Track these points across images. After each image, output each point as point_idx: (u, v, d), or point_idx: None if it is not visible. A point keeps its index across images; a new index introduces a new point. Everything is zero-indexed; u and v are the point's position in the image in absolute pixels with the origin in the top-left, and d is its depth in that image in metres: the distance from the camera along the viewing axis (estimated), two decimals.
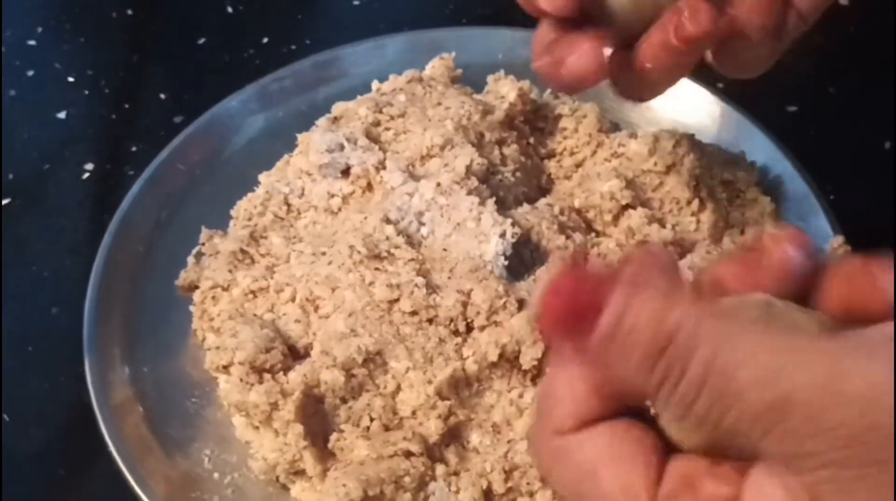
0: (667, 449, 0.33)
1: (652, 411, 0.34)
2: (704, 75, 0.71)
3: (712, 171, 0.65)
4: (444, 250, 0.60)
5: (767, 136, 0.68)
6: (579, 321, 0.31)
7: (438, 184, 0.61)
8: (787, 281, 0.34)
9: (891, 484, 0.29)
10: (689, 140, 0.65)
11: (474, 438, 0.56)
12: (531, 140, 0.68)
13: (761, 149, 0.68)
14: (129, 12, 0.82)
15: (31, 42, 0.80)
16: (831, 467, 0.29)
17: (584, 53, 0.52)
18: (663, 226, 0.63)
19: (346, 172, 0.63)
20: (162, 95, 0.76)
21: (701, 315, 0.30)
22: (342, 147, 0.64)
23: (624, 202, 0.62)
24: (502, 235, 0.59)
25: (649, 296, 0.31)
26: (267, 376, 0.56)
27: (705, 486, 0.32)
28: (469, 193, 0.60)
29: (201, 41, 0.80)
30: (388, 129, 0.65)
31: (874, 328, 0.31)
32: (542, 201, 0.63)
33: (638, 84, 0.54)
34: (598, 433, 0.34)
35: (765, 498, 0.31)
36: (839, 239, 0.63)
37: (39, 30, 0.81)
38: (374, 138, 0.65)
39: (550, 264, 0.31)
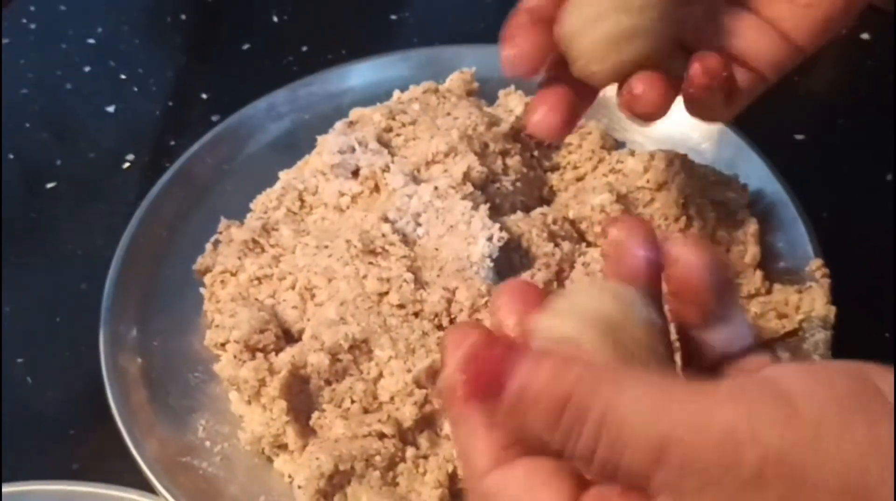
0: (582, 481, 0.35)
1: None
2: None
3: (703, 191, 0.68)
4: (436, 249, 0.63)
5: (763, 160, 0.70)
6: (487, 392, 0.34)
7: (436, 188, 0.65)
8: (642, 277, 0.38)
9: None
10: (682, 160, 0.68)
11: (447, 426, 0.60)
12: (536, 153, 0.72)
13: (757, 172, 0.70)
14: (183, 17, 0.87)
15: (91, 41, 0.86)
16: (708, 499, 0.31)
17: (544, 114, 0.56)
18: None
19: (356, 173, 0.68)
20: (203, 95, 0.82)
21: (589, 377, 0.33)
22: (353, 149, 0.68)
23: (613, 215, 0.66)
24: (490, 238, 0.62)
25: (543, 366, 0.34)
26: (259, 354, 0.60)
27: None
28: (464, 197, 0.64)
29: (245, 47, 0.85)
30: (398, 135, 0.70)
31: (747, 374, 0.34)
32: (537, 210, 0.67)
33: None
34: (514, 470, 0.36)
35: None
36: (818, 262, 0.65)
37: (99, 30, 0.87)
38: (384, 143, 0.69)
39: (453, 336, 0.35)
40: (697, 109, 0.55)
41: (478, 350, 0.35)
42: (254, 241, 0.67)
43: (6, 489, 0.56)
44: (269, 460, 0.60)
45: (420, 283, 0.62)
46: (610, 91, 0.75)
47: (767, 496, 0.31)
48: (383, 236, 0.63)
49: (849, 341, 0.61)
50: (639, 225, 0.40)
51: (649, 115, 0.54)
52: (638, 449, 0.32)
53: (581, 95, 0.56)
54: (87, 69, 0.84)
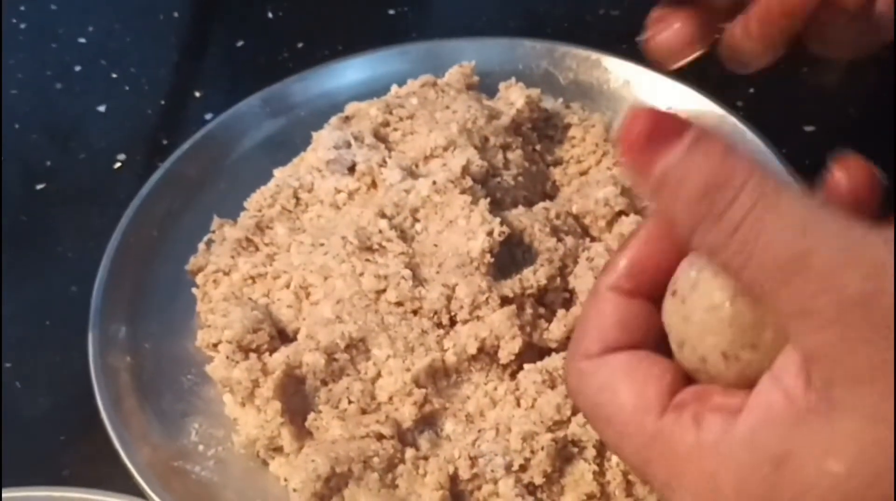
0: (684, 381, 0.36)
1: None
2: (724, 93, 0.73)
3: None
4: (435, 245, 0.62)
5: (773, 152, 0.69)
6: (652, 149, 0.34)
7: (434, 182, 0.63)
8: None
9: (890, 349, 0.30)
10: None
11: (448, 426, 0.58)
12: (538, 147, 0.70)
13: (768, 165, 0.68)
14: (176, 14, 0.86)
15: (82, 40, 0.85)
16: (837, 326, 0.31)
17: (672, 32, 0.55)
18: None
19: (352, 168, 0.66)
20: (197, 93, 0.80)
21: (753, 170, 0.33)
22: (349, 145, 0.66)
23: (618, 209, 0.64)
24: (490, 233, 0.60)
25: (714, 143, 0.33)
26: (252, 355, 0.58)
27: (714, 398, 0.35)
28: (463, 192, 0.62)
29: (240, 44, 0.84)
30: (396, 129, 0.68)
31: None
32: (539, 205, 0.65)
33: (738, 55, 0.56)
34: (618, 358, 0.37)
35: (764, 399, 0.33)
36: None
37: (90, 29, 0.86)
38: (381, 138, 0.67)
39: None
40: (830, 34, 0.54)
41: (653, 111, 0.34)
42: (247, 239, 0.65)
43: None
44: (265, 463, 0.58)
45: (418, 280, 0.60)
46: (613, 84, 0.75)
47: None
48: (380, 232, 0.61)
49: None
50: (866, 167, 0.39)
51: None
52: (777, 254, 0.32)
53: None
54: (78, 68, 0.83)
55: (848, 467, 0.31)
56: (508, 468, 0.55)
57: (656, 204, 0.35)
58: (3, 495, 0.55)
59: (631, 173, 0.35)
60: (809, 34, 0.55)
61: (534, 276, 0.60)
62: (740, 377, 0.35)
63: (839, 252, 0.31)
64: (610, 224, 0.64)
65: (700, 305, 0.36)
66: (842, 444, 0.31)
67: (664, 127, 0.34)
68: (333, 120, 0.69)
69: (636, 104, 0.35)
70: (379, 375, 0.58)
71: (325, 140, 0.67)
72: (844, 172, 0.37)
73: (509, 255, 0.62)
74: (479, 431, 0.57)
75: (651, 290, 0.38)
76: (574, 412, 0.55)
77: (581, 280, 0.61)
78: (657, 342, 0.38)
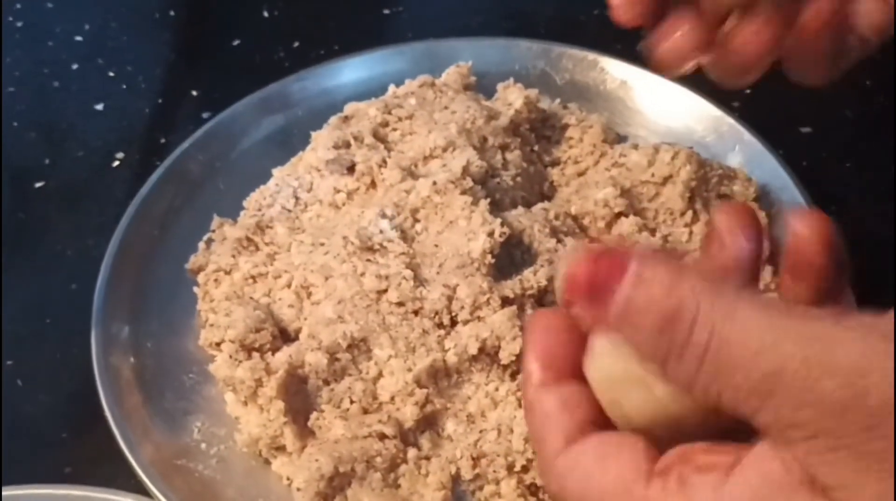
0: (652, 452, 0.35)
1: None
2: (720, 94, 0.73)
3: (709, 184, 0.67)
4: (436, 246, 0.62)
5: (770, 153, 0.69)
6: (597, 295, 0.34)
7: (435, 183, 0.63)
8: (744, 269, 0.37)
9: (882, 452, 0.30)
10: (687, 154, 0.66)
11: (449, 426, 0.58)
12: (536, 147, 0.70)
13: (764, 166, 0.69)
14: (172, 13, 0.86)
15: (79, 38, 0.85)
16: (821, 437, 0.30)
17: (675, 39, 0.55)
18: (654, 235, 0.65)
19: (351, 168, 0.66)
20: (194, 92, 0.80)
21: (703, 292, 0.32)
22: (348, 145, 0.67)
23: (617, 210, 0.64)
24: (490, 233, 0.61)
25: (657, 273, 0.33)
26: (255, 354, 0.59)
27: (698, 457, 0.34)
28: (463, 192, 0.63)
29: (236, 42, 0.84)
30: (395, 129, 0.68)
31: (865, 314, 0.32)
32: (539, 206, 0.65)
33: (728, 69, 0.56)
34: (587, 444, 0.36)
35: (762, 466, 0.32)
36: None
37: (87, 27, 0.85)
38: (380, 138, 0.68)
39: (567, 253, 0.35)
40: (802, 62, 0.54)
41: (590, 256, 0.34)
42: (248, 239, 0.65)
43: None
44: (267, 462, 0.59)
45: (419, 280, 0.60)
46: (610, 85, 0.75)
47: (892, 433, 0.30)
48: (381, 232, 0.62)
49: None
50: (745, 212, 0.39)
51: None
52: (748, 375, 0.31)
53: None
54: (74, 67, 0.83)
55: None
56: (510, 468, 0.55)
57: (628, 341, 0.34)
58: (6, 493, 0.55)
59: (587, 322, 0.35)
60: (788, 65, 0.55)
61: (534, 277, 0.61)
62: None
63: (811, 362, 0.30)
64: (609, 225, 0.64)
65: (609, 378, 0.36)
66: None
67: (605, 269, 0.34)
68: (333, 120, 0.70)
69: (569, 254, 0.35)
70: (381, 375, 0.59)
71: (324, 140, 0.67)
72: (804, 226, 0.37)
73: (508, 255, 0.62)
74: (481, 431, 0.57)
75: (573, 370, 0.37)
76: None
77: None
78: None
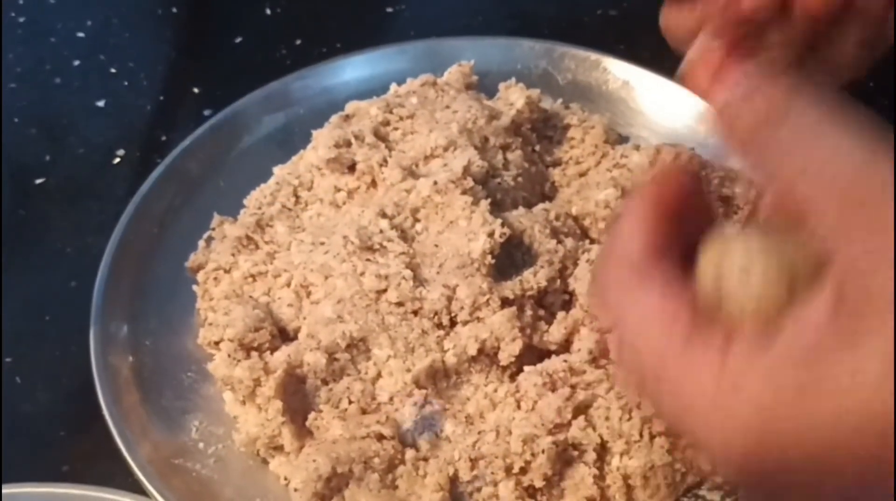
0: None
1: None
2: None
3: (710, 186, 0.67)
4: (436, 246, 0.62)
5: None
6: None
7: (435, 182, 0.63)
8: None
9: None
10: (689, 154, 0.66)
11: (448, 427, 0.58)
12: (537, 147, 0.70)
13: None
14: (174, 10, 0.86)
15: (80, 34, 0.85)
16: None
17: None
18: None
19: (352, 167, 0.66)
20: (195, 89, 0.80)
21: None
22: (349, 144, 0.67)
23: (618, 211, 0.64)
24: (491, 234, 0.61)
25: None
26: (254, 354, 0.59)
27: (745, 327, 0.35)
28: (464, 192, 0.63)
29: (238, 40, 0.84)
30: (396, 128, 0.68)
31: None
32: (539, 206, 0.65)
33: None
34: (654, 280, 0.37)
35: (793, 328, 0.33)
36: None
37: (89, 23, 0.85)
38: (381, 137, 0.67)
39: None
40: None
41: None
42: (248, 237, 0.65)
43: None
44: (265, 462, 0.59)
45: (419, 280, 0.60)
46: (612, 85, 0.75)
47: None
48: (381, 232, 0.62)
49: None
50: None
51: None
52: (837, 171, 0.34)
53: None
54: (76, 63, 0.83)
55: (875, 385, 0.31)
56: (508, 470, 0.55)
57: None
58: (4, 491, 0.55)
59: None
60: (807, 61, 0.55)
61: (534, 278, 0.61)
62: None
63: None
64: (609, 226, 0.64)
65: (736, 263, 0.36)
66: (868, 364, 0.31)
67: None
68: (334, 118, 0.70)
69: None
70: (379, 375, 0.59)
71: (325, 139, 0.67)
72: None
73: (509, 256, 0.62)
74: (479, 433, 0.57)
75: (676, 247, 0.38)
76: (574, 416, 0.56)
77: (581, 282, 0.61)
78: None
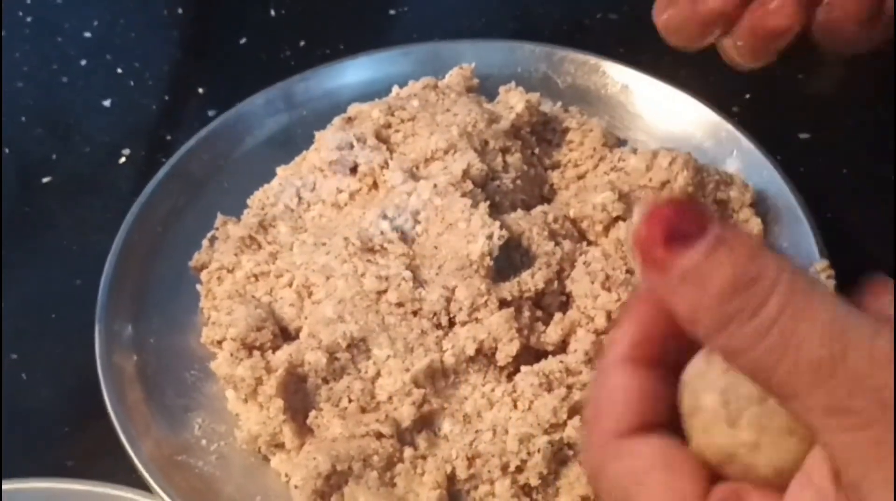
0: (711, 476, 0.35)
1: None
2: (721, 99, 0.74)
3: (706, 189, 0.67)
4: (435, 247, 0.63)
5: (767, 159, 0.70)
6: (672, 244, 0.33)
7: (435, 185, 0.64)
8: None
9: None
10: (684, 159, 0.67)
11: (446, 426, 0.59)
12: (536, 150, 0.71)
13: (761, 172, 0.70)
14: (179, 11, 0.87)
15: (87, 34, 0.85)
16: (871, 427, 0.31)
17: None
18: None
19: (354, 169, 0.67)
20: (200, 90, 0.81)
21: (784, 267, 0.32)
22: (351, 146, 0.67)
23: (615, 214, 0.65)
24: (489, 236, 0.61)
25: (742, 238, 0.33)
26: (256, 353, 0.60)
27: (751, 495, 0.34)
28: (463, 195, 0.63)
29: (242, 41, 0.84)
30: (397, 131, 0.69)
31: None
32: (537, 209, 0.66)
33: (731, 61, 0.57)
34: (650, 444, 0.36)
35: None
36: (823, 263, 0.64)
37: (95, 23, 0.86)
38: (383, 139, 0.68)
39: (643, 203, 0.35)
40: (839, 26, 0.54)
41: (674, 204, 0.34)
42: (251, 237, 0.66)
43: None
44: (266, 459, 0.60)
45: (419, 281, 0.61)
46: (611, 89, 0.76)
47: None
48: (382, 233, 0.63)
49: None
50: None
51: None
52: (811, 354, 0.31)
53: None
54: (83, 63, 0.83)
55: None
56: (505, 469, 0.56)
57: (673, 303, 0.34)
58: (8, 486, 0.56)
59: (646, 272, 0.34)
60: (817, 35, 0.55)
61: (531, 279, 0.61)
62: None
63: (873, 355, 0.31)
64: (607, 229, 0.65)
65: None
66: None
67: (684, 222, 0.33)
68: (336, 121, 0.70)
69: (652, 200, 0.36)
70: (379, 374, 0.59)
71: (328, 141, 0.68)
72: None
73: (507, 258, 0.63)
74: (477, 432, 0.58)
75: (662, 357, 0.37)
76: (570, 416, 0.57)
77: (578, 284, 0.62)
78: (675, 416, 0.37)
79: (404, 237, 0.63)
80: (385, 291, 0.60)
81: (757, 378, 0.33)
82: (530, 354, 0.61)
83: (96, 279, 0.65)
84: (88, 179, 0.76)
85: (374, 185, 0.67)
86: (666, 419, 0.37)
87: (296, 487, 0.56)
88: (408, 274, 0.61)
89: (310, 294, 0.62)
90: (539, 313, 0.62)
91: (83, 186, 0.75)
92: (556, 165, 0.71)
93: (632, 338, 0.37)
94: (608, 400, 0.37)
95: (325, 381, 0.59)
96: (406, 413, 0.58)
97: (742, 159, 0.71)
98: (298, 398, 0.59)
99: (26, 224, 0.73)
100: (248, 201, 0.69)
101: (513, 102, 0.72)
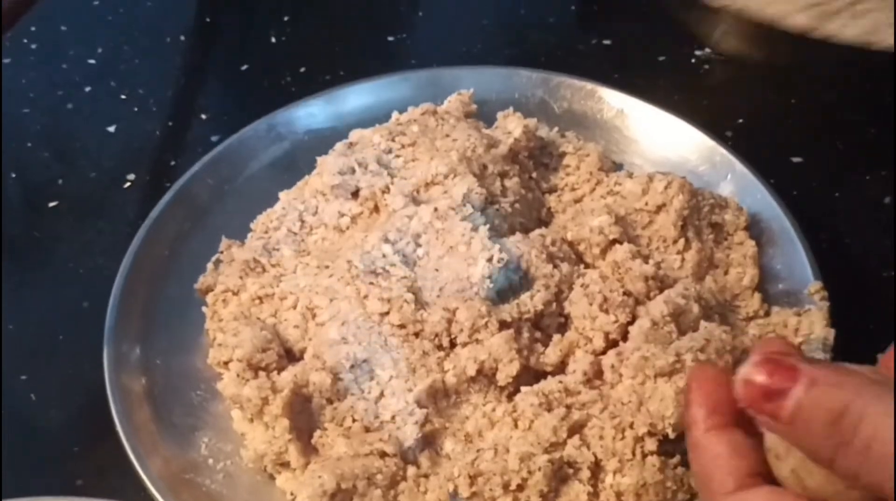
0: None
1: None
2: (714, 123, 0.75)
3: (701, 212, 0.69)
4: (436, 270, 0.64)
5: (761, 182, 0.71)
6: (772, 399, 0.39)
7: (436, 209, 0.65)
8: None
9: None
10: (680, 183, 0.68)
11: (448, 445, 0.60)
12: (534, 175, 0.72)
13: (755, 195, 0.71)
14: (182, 38, 0.88)
15: (92, 61, 0.87)
16: None
17: None
18: (647, 262, 0.66)
19: (355, 193, 0.69)
20: (203, 115, 0.83)
21: (867, 393, 0.38)
22: (353, 171, 0.69)
23: (612, 237, 0.66)
24: (490, 259, 0.63)
25: (827, 375, 0.39)
26: (262, 373, 0.61)
27: None
28: (463, 219, 0.65)
29: (244, 67, 0.86)
30: (398, 156, 0.70)
31: None
32: (536, 232, 0.67)
33: None
34: (759, 493, 0.42)
35: None
36: (817, 285, 0.66)
37: (100, 50, 0.88)
38: (384, 164, 0.70)
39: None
40: None
41: (763, 365, 0.40)
42: (255, 260, 0.68)
43: None
44: (272, 478, 0.61)
45: (420, 303, 0.63)
46: (607, 114, 0.77)
47: None
48: (384, 256, 0.64)
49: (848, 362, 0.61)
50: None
51: None
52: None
53: None
54: (87, 89, 0.85)
55: None
56: (506, 487, 0.57)
57: (792, 441, 0.40)
58: None
59: (760, 421, 0.41)
60: None
61: (531, 301, 0.63)
62: None
63: None
64: (604, 252, 0.66)
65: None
66: None
67: (780, 374, 0.39)
68: (338, 146, 0.72)
69: (751, 359, 0.41)
70: (382, 395, 0.61)
71: (330, 166, 0.69)
72: None
73: (506, 280, 0.64)
74: (478, 450, 0.59)
75: (736, 417, 0.43)
76: (570, 435, 0.58)
77: (576, 306, 0.63)
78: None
79: (406, 260, 0.64)
80: (387, 313, 0.62)
81: (867, 490, 0.38)
82: (530, 374, 0.62)
83: (103, 301, 0.66)
84: (95, 204, 0.77)
85: (376, 208, 0.68)
86: (762, 465, 0.43)
87: None
88: (409, 296, 0.62)
89: (313, 316, 0.64)
90: (538, 334, 0.63)
91: (89, 210, 0.77)
92: (553, 189, 0.73)
93: (706, 411, 0.44)
94: (710, 468, 0.43)
95: (330, 401, 0.60)
96: (409, 433, 0.59)
97: (736, 183, 0.72)
98: (303, 417, 0.60)
99: (34, 248, 0.75)
100: (252, 225, 0.71)
101: (511, 127, 0.73)
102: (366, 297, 0.63)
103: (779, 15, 0.83)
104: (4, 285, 0.72)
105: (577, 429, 0.59)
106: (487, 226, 0.65)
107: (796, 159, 0.79)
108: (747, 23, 0.85)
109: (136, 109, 0.83)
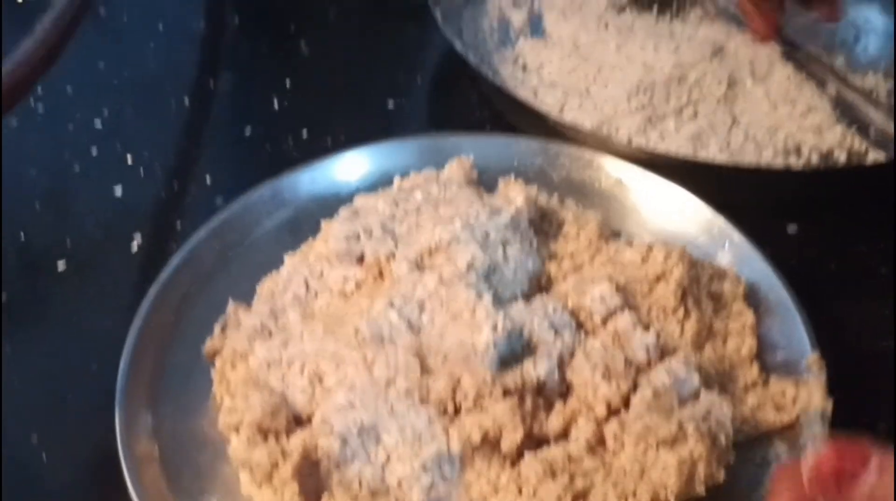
0: None
1: None
2: (710, 192, 0.77)
3: (700, 282, 0.70)
4: (441, 337, 0.65)
5: (758, 252, 0.73)
6: (843, 483, 0.42)
7: (440, 277, 0.67)
8: None
9: None
10: (679, 252, 0.70)
11: None
12: (534, 242, 0.74)
13: (752, 265, 0.73)
14: (186, 102, 0.90)
15: (97, 123, 0.88)
16: None
17: None
18: (647, 330, 0.67)
19: (360, 259, 0.70)
20: (207, 178, 0.84)
21: None
22: (358, 237, 0.70)
23: (613, 306, 0.68)
24: (494, 327, 0.64)
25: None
26: (271, 437, 0.62)
27: None
28: (467, 286, 0.66)
29: (247, 132, 0.88)
30: (402, 223, 0.72)
31: None
32: (538, 300, 0.69)
33: None
34: None
35: None
36: (815, 356, 0.67)
37: (105, 113, 0.89)
38: (388, 231, 0.71)
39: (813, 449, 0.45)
40: None
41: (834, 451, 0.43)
42: (262, 325, 0.68)
43: None
44: None
45: (426, 369, 0.64)
46: (605, 182, 0.79)
47: None
48: (390, 323, 0.65)
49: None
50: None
51: None
52: None
53: None
54: (94, 152, 0.86)
55: None
56: None
57: None
58: None
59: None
60: None
61: (534, 369, 0.64)
62: None
63: None
64: (605, 321, 0.67)
65: None
66: None
67: (850, 460, 0.42)
68: (343, 211, 0.73)
69: (818, 443, 0.47)
70: (389, 460, 0.62)
71: (335, 231, 0.71)
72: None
73: (509, 347, 0.65)
74: None
75: None
76: None
77: (578, 374, 0.64)
78: None
79: (411, 326, 0.66)
80: (394, 379, 0.63)
81: None
82: (533, 441, 0.63)
83: (110, 364, 0.67)
84: (101, 266, 0.78)
85: (380, 274, 0.69)
86: None
87: None
88: (415, 363, 0.63)
89: (321, 381, 0.65)
90: (541, 401, 0.64)
91: (97, 272, 0.77)
92: (553, 256, 0.74)
93: None
94: None
95: (338, 466, 0.61)
96: (415, 498, 0.60)
97: (734, 253, 0.74)
98: (311, 481, 0.61)
99: (41, 310, 0.75)
100: (258, 288, 0.72)
101: (512, 194, 0.75)
102: (372, 363, 0.64)
103: None
104: (11, 346, 0.72)
105: (580, 497, 0.59)
106: (491, 293, 0.67)
107: (791, 229, 0.81)
108: None
109: (141, 172, 0.84)
